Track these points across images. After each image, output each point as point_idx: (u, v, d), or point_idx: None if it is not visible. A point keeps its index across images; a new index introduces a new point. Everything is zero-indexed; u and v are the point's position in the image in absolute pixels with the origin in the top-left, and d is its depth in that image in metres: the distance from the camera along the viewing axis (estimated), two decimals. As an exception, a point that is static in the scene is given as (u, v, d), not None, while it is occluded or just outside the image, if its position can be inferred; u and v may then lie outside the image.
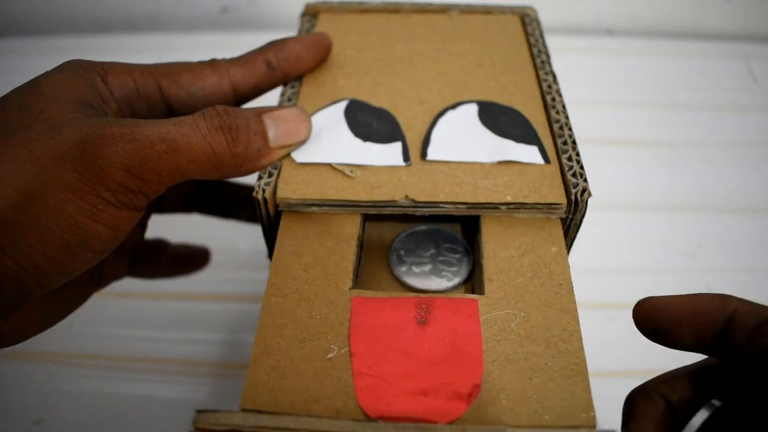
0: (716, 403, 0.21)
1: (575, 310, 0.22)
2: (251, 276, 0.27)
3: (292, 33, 0.30)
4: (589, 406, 0.19)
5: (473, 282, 0.25)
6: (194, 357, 0.40)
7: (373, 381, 0.20)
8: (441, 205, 0.24)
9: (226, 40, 0.63)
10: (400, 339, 0.21)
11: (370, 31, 0.32)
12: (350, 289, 0.22)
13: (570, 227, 0.25)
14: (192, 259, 0.34)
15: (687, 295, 0.21)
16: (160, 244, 0.33)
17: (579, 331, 0.21)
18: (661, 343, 0.22)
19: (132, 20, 0.69)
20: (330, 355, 0.20)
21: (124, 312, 0.42)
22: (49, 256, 0.20)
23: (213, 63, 0.26)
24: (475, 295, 0.22)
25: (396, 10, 0.34)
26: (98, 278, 0.28)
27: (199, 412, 0.19)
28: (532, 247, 0.24)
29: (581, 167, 0.24)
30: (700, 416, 0.21)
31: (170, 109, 0.26)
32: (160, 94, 0.25)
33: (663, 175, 0.52)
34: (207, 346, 0.40)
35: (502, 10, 0.34)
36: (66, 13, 0.68)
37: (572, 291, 0.22)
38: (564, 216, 0.24)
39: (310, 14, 0.33)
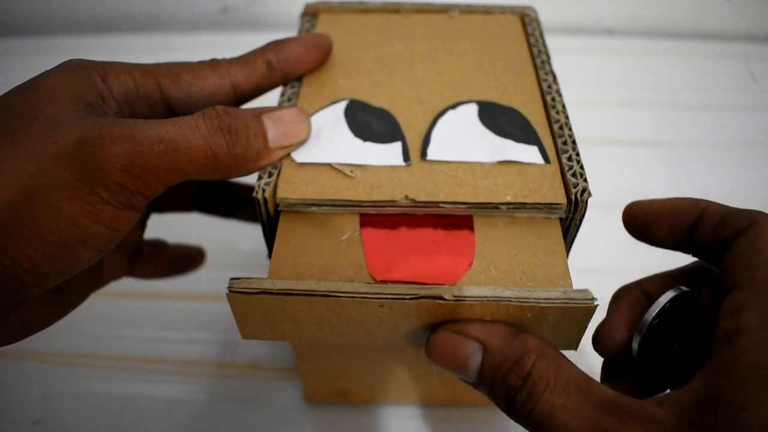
0: (684, 288, 0.23)
1: (560, 233, 0.24)
2: (251, 276, 0.27)
3: (291, 33, 0.30)
4: (567, 275, 0.23)
5: None
6: (194, 357, 0.40)
7: (381, 257, 0.23)
8: (441, 204, 0.24)
9: (226, 40, 0.63)
10: (405, 226, 0.24)
11: (370, 31, 0.32)
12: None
13: (570, 227, 0.25)
14: (188, 259, 0.34)
15: (666, 198, 0.24)
16: (158, 245, 0.33)
17: (558, 226, 0.24)
18: (643, 240, 0.25)
19: (132, 20, 0.69)
20: (344, 237, 0.24)
21: (124, 312, 0.42)
22: (47, 255, 0.20)
23: (213, 63, 0.26)
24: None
25: (396, 10, 0.34)
26: (97, 278, 0.28)
27: (233, 279, 0.22)
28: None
29: (581, 167, 0.24)
30: (667, 295, 0.23)
31: (170, 109, 0.26)
32: (160, 94, 0.25)
33: (663, 175, 0.52)
34: (207, 346, 0.40)
35: (502, 10, 0.34)
36: (66, 13, 0.68)
37: (564, 253, 0.24)
38: (564, 216, 0.24)
39: (310, 14, 0.33)
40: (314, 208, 0.24)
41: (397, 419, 0.37)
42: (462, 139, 0.26)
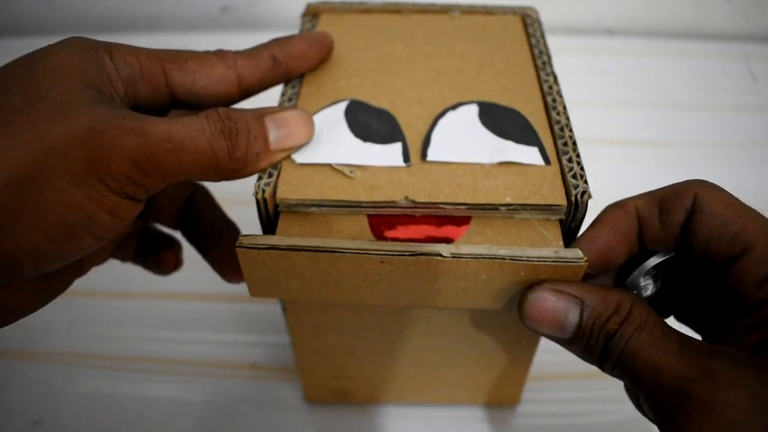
0: (668, 254, 0.24)
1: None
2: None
3: (291, 33, 0.30)
4: (559, 238, 0.24)
5: None
6: (194, 357, 0.40)
7: (383, 219, 0.25)
8: (441, 205, 0.24)
9: (226, 40, 0.63)
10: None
11: (370, 32, 0.32)
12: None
13: (570, 229, 0.25)
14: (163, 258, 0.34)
15: (592, 225, 0.24)
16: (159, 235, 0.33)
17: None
18: (605, 272, 0.25)
19: (132, 20, 0.69)
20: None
21: (124, 312, 0.42)
22: (50, 238, 0.20)
23: (220, 53, 0.26)
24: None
25: (397, 10, 0.34)
26: (80, 264, 0.27)
27: (243, 235, 0.23)
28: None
29: (581, 168, 0.24)
30: (656, 258, 0.24)
31: (173, 96, 0.25)
32: (165, 79, 0.25)
33: (663, 175, 0.51)
34: (207, 346, 0.40)
35: (504, 11, 0.34)
36: (66, 13, 0.68)
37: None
38: (564, 217, 0.24)
39: (311, 14, 0.33)
40: (314, 209, 0.24)
41: (396, 419, 0.37)
42: (462, 139, 0.26)
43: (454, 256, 0.22)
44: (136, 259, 0.32)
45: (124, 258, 0.32)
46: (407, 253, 0.22)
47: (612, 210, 0.24)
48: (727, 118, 0.57)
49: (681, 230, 0.23)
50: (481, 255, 0.22)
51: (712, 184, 0.23)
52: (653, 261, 0.24)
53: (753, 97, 0.59)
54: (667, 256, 0.24)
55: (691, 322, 0.26)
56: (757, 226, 0.22)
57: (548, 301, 0.22)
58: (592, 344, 0.22)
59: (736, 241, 0.22)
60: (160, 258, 0.32)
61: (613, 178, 0.51)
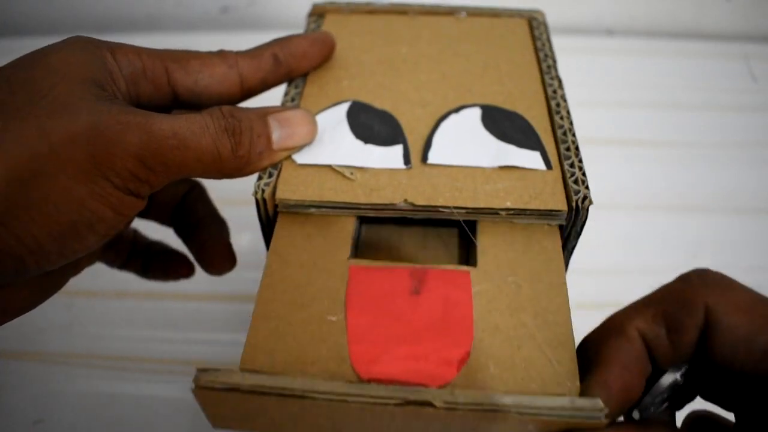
0: (680, 370, 0.21)
1: (564, 284, 0.22)
2: (251, 276, 0.27)
3: (292, 33, 0.30)
4: (575, 376, 0.20)
5: (468, 252, 0.25)
6: (194, 357, 0.40)
7: (367, 346, 0.21)
8: (440, 209, 0.24)
9: (226, 40, 0.63)
10: (394, 307, 0.22)
11: (375, 33, 0.32)
12: (348, 258, 0.23)
13: (570, 234, 0.25)
14: (171, 266, 0.34)
15: (601, 369, 0.20)
16: (145, 243, 0.33)
17: (567, 304, 0.22)
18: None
19: (132, 20, 0.69)
20: (328, 318, 0.21)
21: (124, 312, 0.42)
22: (53, 235, 0.20)
23: (222, 53, 0.26)
24: (467, 267, 0.23)
25: (403, 11, 0.34)
26: (76, 263, 0.28)
27: (200, 370, 0.19)
28: (527, 235, 0.24)
29: (583, 174, 0.24)
30: (668, 377, 0.21)
31: (175, 95, 0.25)
32: (167, 78, 0.25)
33: (663, 175, 0.52)
34: (207, 346, 0.40)
35: (510, 13, 0.34)
36: (66, 13, 0.68)
37: (563, 266, 0.23)
38: (564, 223, 0.24)
39: (316, 14, 0.33)
40: (313, 210, 0.24)
41: None
42: (464, 143, 0.26)
43: (449, 406, 0.19)
44: (128, 267, 0.32)
45: (111, 262, 0.32)
46: (393, 402, 0.19)
47: (614, 342, 0.21)
48: (727, 118, 0.57)
49: (696, 347, 0.20)
50: (480, 405, 0.19)
51: (718, 279, 0.20)
52: (666, 381, 0.21)
53: (753, 97, 0.59)
54: (680, 372, 0.21)
55: (719, 401, 0.22)
56: None
57: None
58: None
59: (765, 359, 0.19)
60: (170, 269, 0.33)
61: (613, 178, 0.51)
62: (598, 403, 0.19)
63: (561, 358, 0.21)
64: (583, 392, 0.20)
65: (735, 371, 0.19)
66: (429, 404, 0.19)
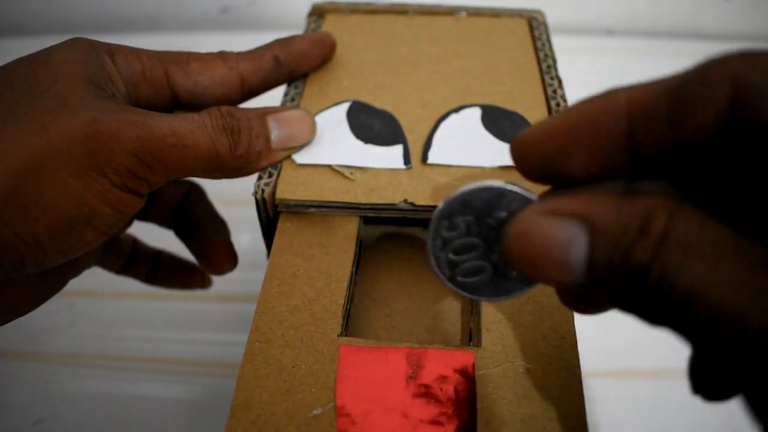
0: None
1: (578, 366, 0.20)
2: (251, 276, 0.27)
3: (291, 33, 0.30)
4: None
5: (471, 328, 0.23)
6: (194, 357, 0.40)
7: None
8: None
9: (226, 40, 0.63)
10: (389, 395, 0.20)
11: (375, 33, 0.32)
12: (339, 335, 0.21)
13: None
14: (177, 275, 0.34)
15: (558, 114, 0.16)
16: (145, 250, 0.33)
17: (581, 391, 0.19)
18: (558, 184, 0.17)
19: (132, 20, 0.69)
20: (315, 412, 0.19)
21: (124, 312, 0.42)
22: (52, 231, 0.20)
23: (222, 54, 0.26)
24: (471, 347, 0.21)
25: (403, 11, 0.34)
26: (75, 264, 0.28)
27: None
28: (533, 294, 0.22)
29: None
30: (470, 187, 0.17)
31: (175, 97, 0.26)
32: (167, 80, 0.25)
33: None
34: (207, 346, 0.40)
35: (510, 13, 0.34)
36: (66, 13, 0.68)
37: (576, 345, 0.21)
38: None
39: (316, 14, 0.33)
40: (313, 210, 0.24)
41: None
42: (464, 143, 0.26)
43: None
44: (127, 272, 0.33)
45: (110, 267, 0.32)
46: None
47: (590, 99, 0.16)
48: (727, 119, 0.57)
49: (711, 140, 0.14)
50: None
51: (756, 53, 0.14)
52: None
53: (753, 98, 0.59)
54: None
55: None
56: None
57: (539, 230, 0.15)
58: (617, 288, 0.14)
59: None
60: (181, 279, 0.33)
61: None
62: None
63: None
64: (525, 132, 0.16)
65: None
66: None
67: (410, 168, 0.25)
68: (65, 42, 0.23)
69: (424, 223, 0.26)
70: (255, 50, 0.27)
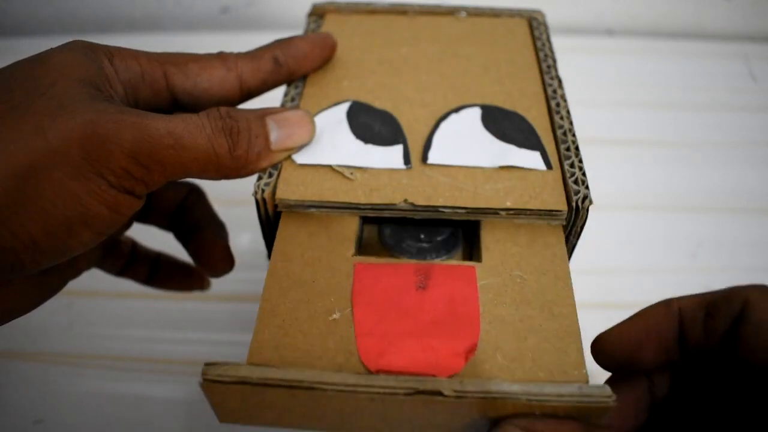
0: None
1: (569, 276, 0.23)
2: (251, 276, 0.27)
3: (291, 33, 0.30)
4: (581, 364, 0.20)
5: (471, 251, 0.26)
6: (194, 357, 0.40)
7: (374, 340, 0.21)
8: (440, 209, 0.24)
9: (226, 40, 0.63)
10: (400, 302, 0.22)
11: (376, 33, 0.32)
12: (353, 255, 0.23)
13: (570, 234, 0.25)
14: (175, 276, 0.34)
15: (629, 318, 0.22)
16: (143, 252, 0.33)
17: (572, 297, 0.22)
18: (633, 372, 0.23)
19: (132, 20, 0.69)
20: (333, 316, 0.21)
21: (124, 312, 0.42)
22: (49, 231, 0.20)
23: (221, 55, 0.26)
24: (472, 262, 0.23)
25: (403, 11, 0.34)
26: (74, 265, 0.28)
27: (207, 364, 0.19)
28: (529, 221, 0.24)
29: (583, 174, 0.24)
30: None
31: (174, 99, 0.26)
32: (166, 82, 0.25)
33: (663, 175, 0.52)
34: (207, 346, 0.40)
35: (510, 13, 0.34)
36: (66, 13, 0.68)
37: (566, 259, 0.23)
38: (565, 223, 0.24)
39: (316, 14, 0.33)
40: (313, 210, 0.24)
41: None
42: (464, 143, 0.26)
43: (458, 395, 0.19)
44: (126, 274, 0.33)
45: (109, 269, 0.32)
46: (402, 392, 0.19)
47: (654, 306, 0.22)
48: (727, 118, 0.57)
49: (724, 338, 0.20)
50: (489, 393, 0.19)
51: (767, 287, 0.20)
52: None
53: (753, 97, 0.59)
54: None
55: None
56: None
57: None
58: None
59: None
60: (180, 281, 0.33)
61: (613, 178, 0.51)
62: (607, 390, 0.19)
63: (567, 348, 0.21)
64: (603, 335, 0.22)
65: (755, 365, 0.19)
66: (439, 393, 0.19)
67: (410, 168, 0.25)
68: (64, 44, 0.23)
69: (424, 223, 0.26)
70: (254, 51, 0.27)
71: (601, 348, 0.22)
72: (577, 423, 0.19)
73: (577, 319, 0.21)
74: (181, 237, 0.32)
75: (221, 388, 0.19)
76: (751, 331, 0.19)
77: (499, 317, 0.21)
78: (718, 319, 0.20)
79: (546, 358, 0.20)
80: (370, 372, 0.20)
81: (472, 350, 0.21)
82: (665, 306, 0.21)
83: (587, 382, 0.20)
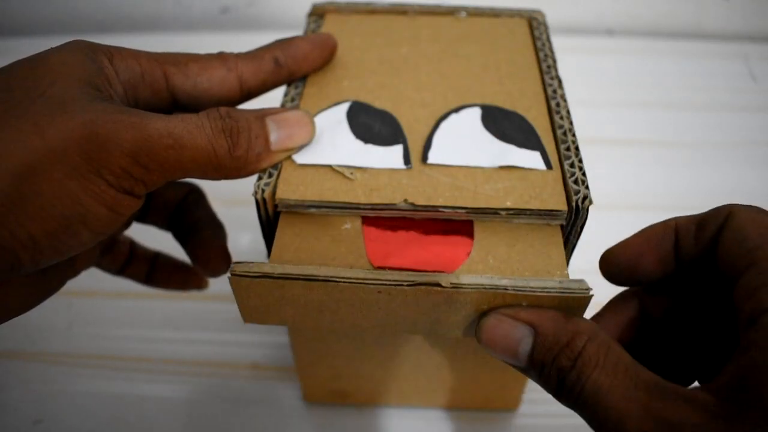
0: None
1: (562, 213, 0.24)
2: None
3: (291, 33, 0.30)
4: (563, 265, 0.23)
5: None
6: (194, 357, 0.40)
7: (381, 245, 0.24)
8: (440, 209, 0.24)
9: (226, 40, 0.63)
10: (405, 224, 0.25)
11: (376, 33, 0.32)
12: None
13: (570, 234, 0.25)
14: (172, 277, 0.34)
15: (633, 234, 0.24)
16: (142, 252, 0.33)
17: (559, 232, 0.24)
18: (634, 284, 0.25)
19: (132, 20, 0.69)
20: (345, 227, 0.24)
21: (124, 312, 0.42)
22: (47, 231, 0.20)
23: (221, 56, 0.26)
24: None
25: (403, 11, 0.34)
26: (73, 265, 0.28)
27: (236, 263, 0.22)
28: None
29: (583, 174, 0.24)
30: None
31: (174, 99, 0.25)
32: (166, 83, 0.25)
33: (663, 175, 0.52)
34: (207, 346, 0.40)
35: (510, 13, 0.34)
36: (66, 13, 0.68)
37: (564, 259, 0.24)
38: (564, 223, 0.24)
39: (316, 14, 0.33)
40: (313, 210, 0.24)
41: (396, 419, 0.37)
42: (464, 143, 0.26)
43: (454, 286, 0.21)
44: (125, 273, 0.33)
45: (107, 268, 0.32)
46: (405, 284, 0.21)
47: (654, 224, 0.24)
48: (727, 118, 0.57)
49: (709, 245, 0.22)
50: (482, 285, 0.21)
51: (756, 207, 0.21)
52: None
53: (753, 97, 0.59)
54: None
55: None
56: None
57: (502, 327, 0.21)
58: (545, 377, 0.21)
59: (747, 256, 0.20)
60: (178, 280, 0.33)
61: (613, 178, 0.51)
62: (584, 283, 0.21)
63: (551, 253, 0.23)
64: (610, 248, 0.24)
65: (729, 276, 0.20)
66: (437, 285, 0.21)
67: (410, 168, 0.25)
68: (64, 44, 0.23)
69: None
70: (255, 51, 0.27)
71: (608, 259, 0.24)
72: (556, 311, 0.21)
73: (561, 236, 0.24)
74: (179, 237, 0.32)
75: (246, 282, 0.22)
76: (729, 235, 0.21)
77: (490, 228, 0.24)
78: (706, 229, 0.22)
79: (532, 260, 0.23)
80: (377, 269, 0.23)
81: (467, 254, 0.23)
82: (664, 223, 0.23)
83: (568, 277, 0.22)
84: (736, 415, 0.17)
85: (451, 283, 0.21)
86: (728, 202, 0.22)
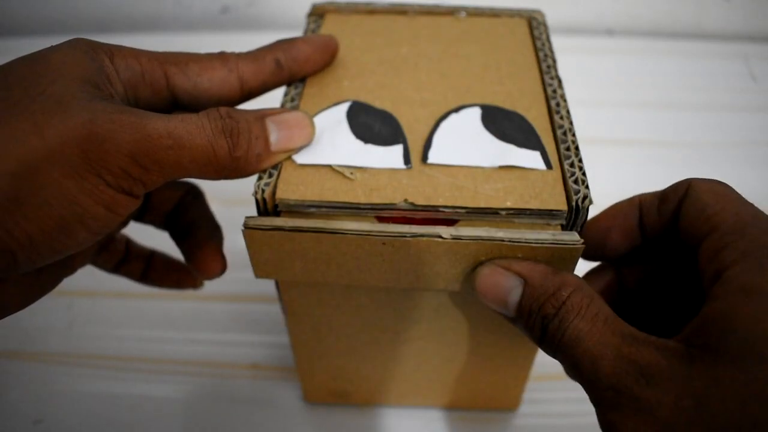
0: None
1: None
2: (251, 276, 0.27)
3: (291, 33, 0.30)
4: (557, 226, 0.24)
5: None
6: (194, 357, 0.40)
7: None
8: (440, 209, 0.24)
9: (226, 40, 0.63)
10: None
11: (375, 33, 0.32)
12: None
13: None
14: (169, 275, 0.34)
15: (600, 212, 0.26)
16: (138, 250, 0.33)
17: (558, 226, 0.25)
18: (603, 258, 0.27)
19: (132, 20, 0.69)
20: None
21: (124, 312, 0.42)
22: (44, 230, 0.20)
23: (222, 56, 0.26)
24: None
25: (403, 11, 0.34)
26: (70, 263, 0.28)
27: (248, 217, 0.23)
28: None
29: (583, 174, 0.24)
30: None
31: (174, 99, 0.25)
32: (166, 82, 0.25)
33: (663, 175, 0.51)
34: (207, 346, 0.40)
35: (510, 13, 0.34)
36: (66, 13, 0.68)
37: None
38: (564, 223, 0.24)
39: (316, 14, 0.33)
40: (313, 210, 0.24)
41: (396, 419, 0.37)
42: (464, 143, 0.26)
43: (454, 237, 0.23)
44: (120, 271, 0.32)
45: (103, 265, 0.32)
46: (408, 235, 0.23)
47: (618, 202, 0.25)
48: (727, 118, 0.57)
49: (672, 217, 0.23)
50: (480, 237, 0.23)
51: (714, 180, 0.23)
52: None
53: (753, 97, 0.59)
54: None
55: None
56: (733, 208, 0.21)
57: (495, 277, 0.23)
58: (530, 325, 0.22)
59: (707, 222, 0.21)
60: (174, 279, 0.33)
61: (613, 178, 0.51)
62: (575, 236, 0.23)
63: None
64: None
65: (690, 245, 0.22)
66: (438, 236, 0.23)
67: (410, 168, 0.25)
68: (64, 42, 0.23)
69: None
70: (256, 52, 0.27)
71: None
72: (547, 265, 0.23)
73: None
74: (175, 236, 0.32)
75: (259, 235, 0.23)
76: (689, 205, 0.22)
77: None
78: (668, 202, 0.23)
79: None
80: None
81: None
82: (628, 200, 0.25)
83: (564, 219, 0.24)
84: (699, 358, 0.18)
85: (451, 235, 0.23)
86: (728, 202, 0.23)
